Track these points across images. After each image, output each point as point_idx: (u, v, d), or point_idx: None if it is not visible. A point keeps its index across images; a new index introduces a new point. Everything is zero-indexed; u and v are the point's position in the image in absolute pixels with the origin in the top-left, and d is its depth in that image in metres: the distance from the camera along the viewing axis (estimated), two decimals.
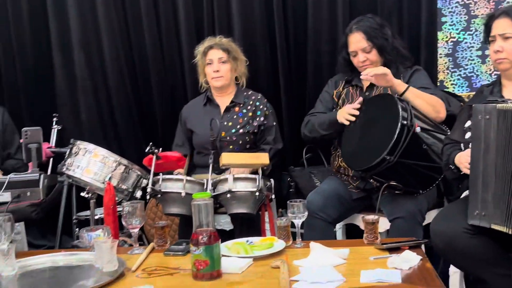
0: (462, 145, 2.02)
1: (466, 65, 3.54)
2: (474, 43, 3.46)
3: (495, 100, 1.91)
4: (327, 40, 3.33)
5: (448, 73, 3.56)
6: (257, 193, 2.34)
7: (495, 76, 3.25)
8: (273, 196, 2.47)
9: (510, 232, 1.70)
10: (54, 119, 3.40)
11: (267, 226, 2.56)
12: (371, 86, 2.63)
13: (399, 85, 2.41)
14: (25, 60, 3.57)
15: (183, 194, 2.37)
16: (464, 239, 1.84)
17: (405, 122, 2.17)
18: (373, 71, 2.40)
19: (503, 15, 2.05)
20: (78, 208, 3.26)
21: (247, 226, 2.47)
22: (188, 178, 2.42)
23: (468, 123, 1.92)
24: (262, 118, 2.84)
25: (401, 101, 2.28)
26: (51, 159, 3.26)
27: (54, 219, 3.19)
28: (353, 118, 2.48)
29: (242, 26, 3.34)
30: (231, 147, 2.75)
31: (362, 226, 2.13)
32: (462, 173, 1.95)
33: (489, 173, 1.78)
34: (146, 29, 3.42)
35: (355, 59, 2.65)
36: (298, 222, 2.08)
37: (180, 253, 2.00)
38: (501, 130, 1.78)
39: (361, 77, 2.51)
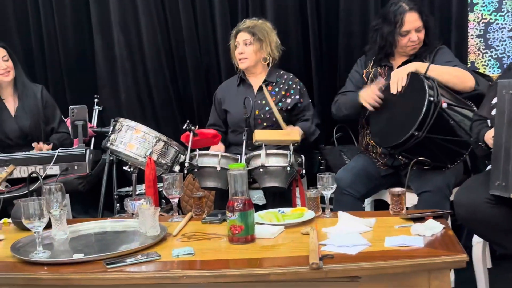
0: (488, 121, 2.09)
1: (498, 46, 3.56)
2: (505, 24, 3.48)
3: None
4: (358, 22, 3.39)
5: (479, 54, 3.59)
6: (288, 168, 2.46)
7: None
8: (303, 172, 2.58)
9: None
10: (95, 100, 3.58)
11: (298, 201, 2.68)
12: (401, 66, 2.69)
13: (420, 66, 2.48)
14: (67, 42, 3.74)
15: (218, 169, 2.50)
16: (486, 209, 1.92)
17: (431, 98, 2.25)
18: (400, 83, 2.45)
19: None
20: (119, 185, 3.44)
21: (279, 200, 2.58)
22: (223, 153, 2.55)
23: (495, 100, 1.99)
24: (297, 96, 2.95)
25: (427, 78, 2.35)
26: (93, 138, 3.44)
27: (95, 195, 3.37)
28: (377, 105, 2.56)
29: (275, 8, 3.43)
30: (264, 124, 2.87)
31: (389, 201, 2.23)
32: (491, 149, 2.02)
33: (511, 146, 1.86)
34: (182, 12, 3.54)
35: (405, 38, 2.66)
36: (327, 194, 2.19)
37: (216, 221, 2.14)
38: None
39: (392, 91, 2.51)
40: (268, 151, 2.49)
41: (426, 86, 2.27)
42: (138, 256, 1.73)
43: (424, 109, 2.24)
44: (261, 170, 2.47)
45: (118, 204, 3.24)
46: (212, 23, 3.56)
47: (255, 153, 2.53)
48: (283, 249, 1.81)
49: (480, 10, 3.55)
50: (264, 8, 3.47)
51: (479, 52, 3.58)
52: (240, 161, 2.51)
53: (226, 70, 3.50)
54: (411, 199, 2.48)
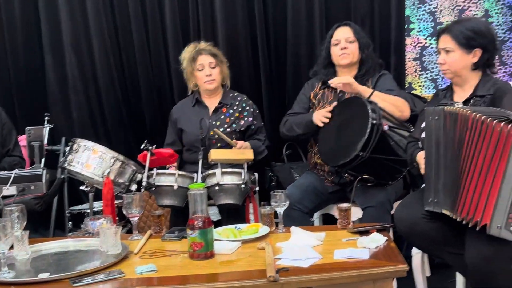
0: (419, 143, 2.31)
1: (433, 68, 3.84)
2: None
3: (445, 103, 2.21)
4: (305, 45, 3.59)
5: (416, 76, 3.86)
6: (242, 186, 2.58)
7: None
8: (257, 189, 2.73)
9: (454, 218, 1.98)
10: (46, 118, 3.58)
11: (251, 216, 2.81)
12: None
13: (364, 91, 2.70)
14: (17, 61, 3.72)
15: (175, 187, 2.60)
16: (423, 224, 2.12)
17: (374, 121, 2.44)
18: (339, 79, 2.69)
19: (445, 32, 2.34)
20: (70, 203, 3.44)
21: (233, 216, 2.71)
22: (180, 172, 2.65)
23: (424, 124, 2.21)
24: (250, 118, 3.10)
25: (370, 102, 2.55)
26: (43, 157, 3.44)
27: (45, 213, 3.35)
28: (326, 120, 2.74)
29: (226, 31, 3.57)
30: (219, 144, 2.99)
31: (337, 215, 2.39)
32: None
33: (440, 166, 2.07)
34: (134, 33, 3.62)
35: (337, 47, 2.91)
36: (280, 210, 2.33)
37: (176, 238, 2.24)
38: (447, 129, 2.05)
39: (329, 83, 2.77)
40: (223, 170, 2.61)
41: (370, 110, 2.47)
42: (101, 275, 1.80)
43: (368, 131, 2.43)
44: (216, 188, 2.59)
45: (70, 222, 3.26)
46: (164, 44, 3.66)
47: (210, 171, 2.64)
48: (241, 263, 1.93)
49: (416, 35, 3.83)
50: (215, 30, 3.61)
51: (415, 73, 3.86)
52: (196, 180, 2.62)
53: (179, 90, 3.60)
54: (356, 213, 2.66)
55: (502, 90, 2.23)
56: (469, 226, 1.94)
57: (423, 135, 2.18)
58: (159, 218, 2.36)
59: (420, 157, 2.23)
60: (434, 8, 3.81)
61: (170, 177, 2.62)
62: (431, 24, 3.81)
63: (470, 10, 3.80)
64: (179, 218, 2.73)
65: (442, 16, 3.81)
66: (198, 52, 3.09)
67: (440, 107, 2.12)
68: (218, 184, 2.58)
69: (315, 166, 2.93)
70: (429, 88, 3.86)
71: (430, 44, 3.82)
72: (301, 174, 3.07)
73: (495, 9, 3.80)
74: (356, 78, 2.90)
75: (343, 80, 2.70)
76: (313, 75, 3.09)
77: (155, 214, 2.37)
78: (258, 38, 3.58)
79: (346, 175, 2.73)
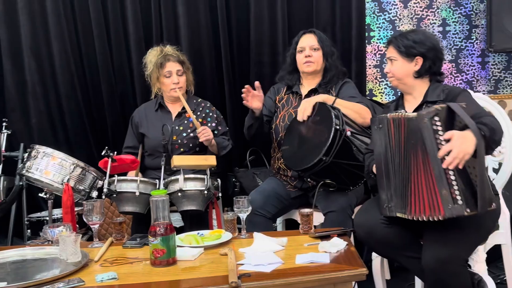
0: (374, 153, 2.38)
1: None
2: None
3: (388, 113, 2.29)
4: (268, 52, 3.62)
5: (376, 83, 3.94)
6: (205, 192, 2.59)
7: None
8: (220, 194, 2.73)
9: (407, 217, 2.05)
10: (4, 123, 3.50)
11: (214, 222, 2.81)
12: (309, 94, 2.94)
13: (328, 98, 2.74)
14: None
15: (137, 194, 2.58)
16: (381, 229, 2.17)
17: (337, 127, 2.49)
18: (305, 112, 2.70)
19: (390, 43, 2.45)
20: (28, 210, 3.36)
21: (196, 222, 2.70)
22: (142, 178, 2.63)
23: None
24: (214, 124, 3.10)
25: (334, 108, 2.60)
26: (1, 163, 3.36)
27: (3, 222, 3.29)
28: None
29: (189, 36, 3.57)
30: (181, 149, 2.98)
31: (299, 221, 2.42)
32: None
33: (390, 172, 2.14)
34: (96, 38, 3.57)
35: (301, 54, 2.96)
36: (243, 216, 2.34)
37: (137, 245, 2.22)
38: (392, 135, 2.14)
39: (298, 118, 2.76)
40: (186, 176, 2.60)
41: (333, 116, 2.52)
42: (61, 284, 1.77)
43: (331, 136, 2.47)
44: (179, 194, 2.58)
45: (29, 230, 3.19)
46: (127, 50, 3.63)
47: (173, 177, 2.63)
48: (203, 270, 1.93)
49: (376, 42, 3.92)
50: (178, 36, 3.60)
51: (376, 80, 3.94)
52: (159, 186, 2.60)
53: (141, 96, 3.58)
54: (318, 218, 2.70)
55: (453, 92, 2.31)
56: (425, 220, 2.01)
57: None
58: (120, 225, 2.34)
59: (375, 167, 2.29)
60: (393, 16, 3.90)
61: (132, 184, 2.60)
62: (391, 32, 3.90)
63: (428, 19, 3.91)
64: (141, 225, 2.71)
65: (402, 25, 3.91)
66: (165, 58, 3.06)
67: (384, 115, 2.21)
68: (180, 190, 2.58)
69: (278, 171, 2.96)
70: (389, 94, 3.95)
71: None
72: (264, 179, 3.09)
73: (452, 18, 3.92)
74: (319, 85, 2.95)
75: (307, 111, 2.70)
76: (280, 80, 3.13)
77: (117, 221, 2.34)
78: (221, 45, 3.59)
79: (308, 180, 2.76)
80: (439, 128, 1.98)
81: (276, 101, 3.06)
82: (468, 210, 1.91)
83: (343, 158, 2.51)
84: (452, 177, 1.94)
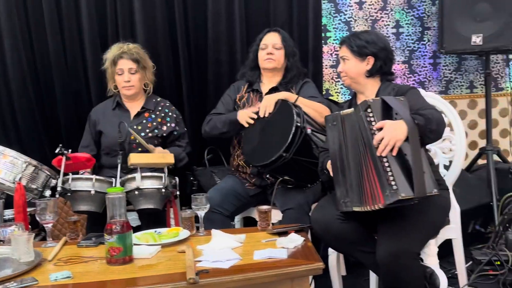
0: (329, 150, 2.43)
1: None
2: None
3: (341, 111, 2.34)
4: (226, 50, 3.62)
5: (332, 83, 4.01)
6: (163, 190, 2.56)
7: None
8: (177, 193, 2.71)
9: (366, 209, 2.08)
10: None
11: (172, 221, 2.79)
12: (269, 92, 2.95)
13: (289, 96, 2.77)
14: None
15: (92, 192, 2.53)
16: (337, 225, 2.20)
17: (298, 124, 2.52)
18: (267, 109, 2.72)
19: (343, 43, 2.51)
20: None
21: (154, 221, 2.66)
22: (97, 177, 2.58)
23: None
24: (173, 124, 3.06)
25: (295, 106, 2.63)
26: None
27: None
28: (252, 121, 2.79)
29: (145, 34, 3.52)
30: (139, 149, 2.92)
31: (257, 218, 2.43)
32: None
33: (345, 168, 2.18)
34: (49, 35, 3.47)
35: (263, 51, 2.99)
36: (201, 213, 2.34)
37: (92, 244, 2.18)
38: (346, 131, 2.18)
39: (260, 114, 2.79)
40: (143, 174, 2.57)
41: (294, 113, 2.55)
42: (13, 283, 1.73)
43: (292, 133, 2.50)
44: (136, 192, 2.55)
45: None
46: (81, 47, 3.55)
47: (130, 176, 2.60)
48: (160, 267, 1.91)
49: (333, 43, 3.98)
50: (134, 33, 3.54)
51: (332, 80, 4.01)
52: (115, 184, 2.56)
53: (96, 94, 3.51)
54: (276, 215, 2.72)
55: (402, 89, 2.38)
56: (374, 209, 2.06)
57: None
58: (75, 224, 2.29)
59: (329, 164, 2.33)
60: (349, 18, 3.98)
61: (87, 182, 2.55)
62: (347, 33, 3.97)
63: (383, 21, 4.01)
64: (96, 225, 2.64)
65: (357, 26, 3.99)
66: (120, 55, 3.01)
67: (337, 112, 2.25)
68: (137, 189, 2.54)
69: (237, 168, 2.96)
70: (345, 94, 4.02)
71: None
72: (222, 178, 3.08)
73: (405, 20, 4.03)
74: (280, 84, 2.98)
75: (269, 108, 2.73)
76: (241, 77, 3.13)
77: (71, 220, 2.30)
78: (179, 43, 3.56)
79: (267, 177, 2.77)
80: (372, 119, 2.07)
81: (236, 100, 3.06)
82: (403, 194, 1.95)
83: (302, 155, 2.54)
84: (386, 164, 2.01)
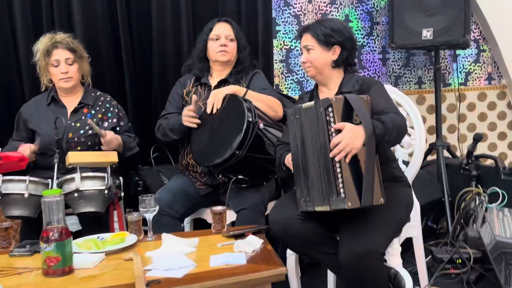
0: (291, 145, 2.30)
1: (298, 70, 3.91)
2: None
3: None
4: (171, 43, 3.42)
5: (282, 78, 3.89)
6: (106, 191, 2.36)
7: None
8: (122, 194, 2.51)
9: (329, 209, 1.95)
10: None
11: (116, 225, 2.58)
12: (219, 85, 2.79)
13: (239, 90, 2.61)
14: None
15: (26, 195, 2.29)
16: (297, 225, 2.07)
17: (250, 119, 2.37)
18: (215, 104, 2.56)
19: (306, 31, 2.37)
20: None
21: (96, 225, 2.45)
22: (32, 178, 2.34)
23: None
24: (115, 120, 2.84)
25: (245, 100, 2.47)
26: None
27: None
28: (197, 121, 2.61)
29: (84, 23, 3.26)
30: (79, 148, 2.68)
31: (209, 220, 2.27)
32: (292, 171, 2.18)
33: (307, 164, 2.05)
34: None
35: (215, 42, 2.82)
36: (149, 216, 2.15)
37: (27, 253, 1.95)
38: (307, 126, 2.05)
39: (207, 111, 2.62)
40: (84, 174, 2.36)
41: (245, 108, 2.39)
42: None
43: (244, 128, 2.34)
44: (75, 194, 2.34)
45: None
46: (13, 37, 3.26)
47: (68, 176, 2.38)
48: (105, 278, 1.73)
49: (282, 37, 3.87)
50: (71, 22, 3.28)
51: (282, 75, 3.89)
52: (51, 186, 2.34)
53: (29, 87, 3.21)
54: (230, 215, 2.56)
55: (367, 82, 2.28)
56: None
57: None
58: (6, 231, 2.05)
59: (288, 159, 2.20)
60: (298, 11, 3.88)
61: (19, 184, 2.32)
62: (296, 27, 3.87)
63: (332, 15, 3.93)
64: (31, 231, 2.43)
65: (306, 20, 3.90)
66: (53, 45, 2.76)
67: (298, 105, 2.12)
68: (77, 190, 2.34)
69: (187, 167, 2.78)
70: (295, 90, 3.92)
71: (296, 47, 3.88)
72: (170, 177, 2.89)
73: (354, 15, 3.97)
74: (230, 75, 2.83)
75: (218, 102, 2.57)
76: (186, 71, 2.96)
77: (2, 227, 2.05)
78: (121, 34, 3.32)
79: (220, 176, 2.60)
80: (332, 119, 1.95)
81: (183, 95, 2.88)
82: (350, 204, 1.88)
83: (256, 152, 2.40)
84: (338, 169, 1.91)
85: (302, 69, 3.86)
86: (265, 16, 3.59)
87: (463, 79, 4.18)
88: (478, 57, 4.18)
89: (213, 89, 2.78)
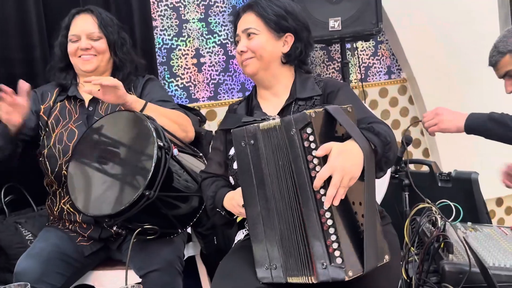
0: (231, 178, 1.63)
1: (183, 74, 3.24)
2: (188, 50, 3.21)
3: (253, 120, 1.56)
4: (18, 46, 2.59)
5: (165, 83, 3.19)
6: None
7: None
8: None
9: (314, 281, 1.32)
10: None
11: None
12: (96, 99, 2.04)
13: (135, 101, 1.91)
14: None
15: None
16: None
17: (161, 144, 1.68)
18: (101, 79, 1.83)
19: (248, 10, 1.73)
20: None
21: None
22: None
23: (232, 151, 1.56)
24: None
25: (149, 118, 1.76)
26: None
27: None
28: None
29: None
30: None
31: (97, 286, 1.52)
32: (236, 216, 1.57)
33: (270, 212, 1.40)
34: None
35: (74, 45, 2.11)
36: None
37: None
38: (270, 154, 1.41)
39: (83, 90, 1.89)
40: None
41: (152, 129, 1.68)
42: None
43: (155, 159, 1.65)
44: None
45: None
46: None
47: None
48: None
49: (160, 34, 3.19)
50: None
51: (165, 81, 3.19)
52: None
53: None
54: (132, 280, 1.83)
55: (331, 85, 1.70)
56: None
57: (235, 165, 1.50)
58: None
59: (232, 201, 1.55)
60: (177, 2, 3.21)
61: None
62: (176, 22, 3.21)
63: (217, 6, 3.34)
64: None
65: (187, 13, 3.25)
66: None
67: (254, 125, 1.45)
68: None
69: (61, 215, 1.99)
70: (181, 97, 3.23)
71: (178, 46, 3.22)
72: (35, 232, 2.07)
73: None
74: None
75: (108, 81, 1.84)
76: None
77: None
78: None
79: (115, 228, 1.83)
80: (313, 144, 1.33)
81: (40, 112, 2.10)
82: (351, 273, 1.29)
83: (171, 189, 1.70)
84: (330, 221, 1.30)
85: (188, 73, 3.21)
86: (142, 6, 2.91)
87: (363, 74, 3.85)
88: (376, 50, 3.87)
89: (88, 105, 2.06)
